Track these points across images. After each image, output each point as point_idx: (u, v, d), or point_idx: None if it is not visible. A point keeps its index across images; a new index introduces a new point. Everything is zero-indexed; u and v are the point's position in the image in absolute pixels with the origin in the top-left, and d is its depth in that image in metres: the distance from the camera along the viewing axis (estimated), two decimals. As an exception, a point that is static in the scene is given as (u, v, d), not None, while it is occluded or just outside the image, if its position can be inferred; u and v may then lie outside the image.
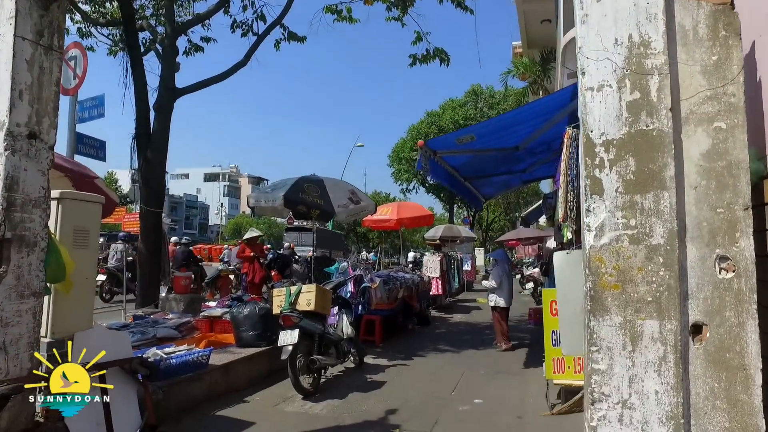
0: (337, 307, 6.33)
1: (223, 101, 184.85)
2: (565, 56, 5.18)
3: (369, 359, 6.89)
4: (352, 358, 6.27)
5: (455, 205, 37.32)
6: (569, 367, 4.91)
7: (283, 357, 4.93)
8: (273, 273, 10.24)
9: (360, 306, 7.27)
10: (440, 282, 12.74)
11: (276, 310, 5.38)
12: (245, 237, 9.66)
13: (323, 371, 5.57)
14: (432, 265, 12.77)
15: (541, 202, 18.40)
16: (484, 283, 8.73)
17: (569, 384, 4.81)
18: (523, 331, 9.88)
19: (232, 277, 10.80)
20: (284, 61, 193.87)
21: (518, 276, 21.26)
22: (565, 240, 5.79)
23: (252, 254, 9.46)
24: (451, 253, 15.54)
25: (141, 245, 7.89)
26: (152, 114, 7.92)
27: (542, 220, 18.50)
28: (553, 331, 4.98)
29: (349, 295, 7.11)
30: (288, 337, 4.98)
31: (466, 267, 18.22)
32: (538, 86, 12.74)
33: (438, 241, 17.37)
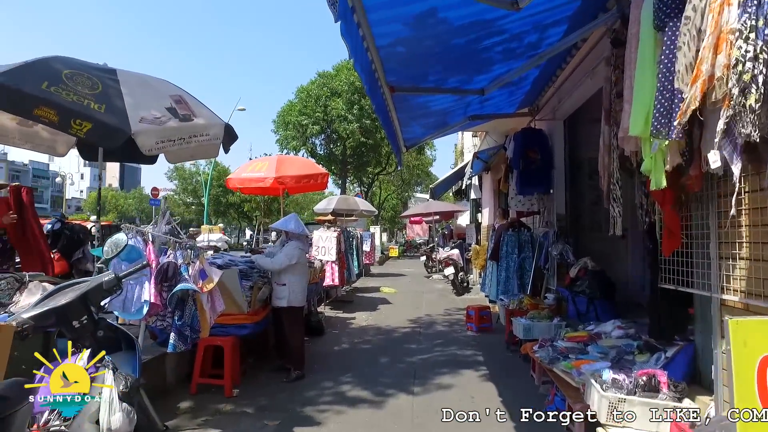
0: (85, 355, 2.37)
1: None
2: None
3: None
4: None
5: (347, 180, 33.97)
6: None
7: None
8: (54, 256, 5.85)
9: (176, 335, 3.30)
10: (337, 268, 9.08)
11: None
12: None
13: None
14: (326, 244, 9.06)
15: (457, 169, 15.51)
16: (263, 262, 5.10)
17: None
18: (466, 344, 6.56)
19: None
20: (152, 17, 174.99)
21: (423, 258, 18.41)
22: (654, 184, 2.42)
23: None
24: (349, 228, 11.92)
25: None
26: None
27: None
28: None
29: (142, 309, 3.10)
30: None
31: (366, 247, 14.79)
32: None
33: (330, 216, 13.85)
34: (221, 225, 38.17)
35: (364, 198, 26.45)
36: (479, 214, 14.56)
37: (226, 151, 4.52)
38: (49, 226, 6.00)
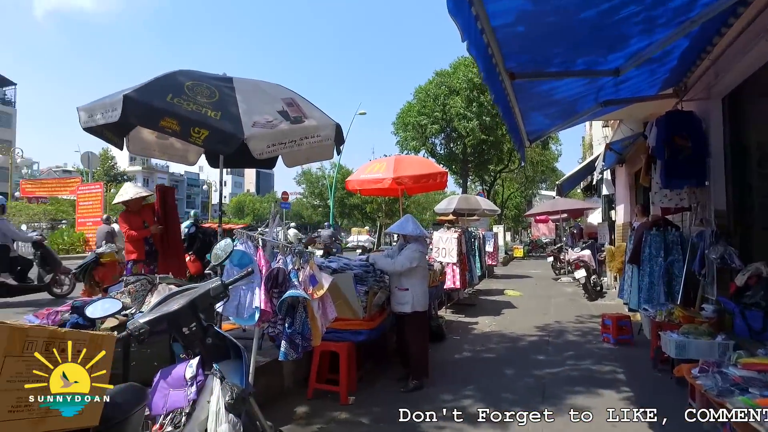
0: (195, 362, 2.35)
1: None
2: None
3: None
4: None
5: (468, 178, 33.27)
6: None
7: None
8: (190, 258, 6.33)
9: (287, 343, 3.23)
10: (458, 270, 8.74)
11: None
12: (119, 200, 5.67)
13: None
14: (446, 245, 8.76)
15: (585, 164, 14.32)
16: (384, 263, 4.90)
17: None
18: (603, 357, 5.83)
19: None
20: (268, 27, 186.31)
21: (550, 259, 17.27)
22: None
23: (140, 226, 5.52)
24: (471, 228, 11.48)
25: None
26: None
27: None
28: None
29: (254, 315, 3.09)
30: None
31: (489, 248, 14.21)
32: None
33: (451, 216, 13.54)
34: (367, 228, 40.37)
35: (486, 197, 25.74)
36: (612, 212, 13.25)
37: (338, 152, 4.45)
38: (186, 230, 6.51)
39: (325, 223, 19.27)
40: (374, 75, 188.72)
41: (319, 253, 12.21)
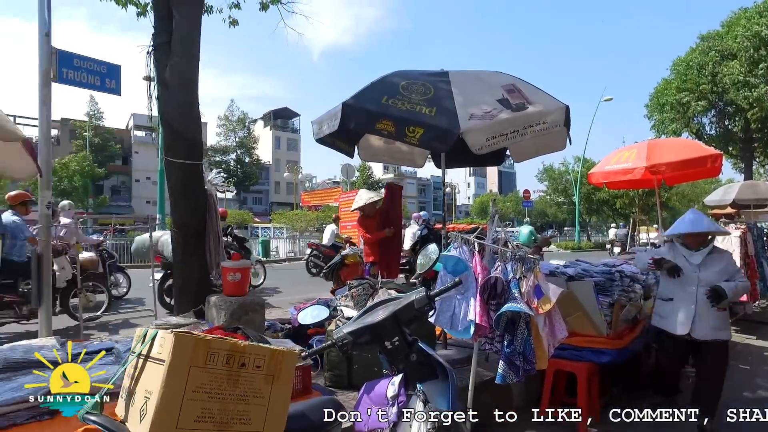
0: (397, 380, 2.13)
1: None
2: None
3: None
4: None
5: (754, 161, 26.84)
6: None
7: None
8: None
9: (505, 364, 2.72)
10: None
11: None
12: (354, 206, 5.99)
13: None
14: (724, 245, 6.98)
15: None
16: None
17: None
18: None
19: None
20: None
21: None
22: None
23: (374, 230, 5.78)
24: (762, 224, 9.00)
25: (172, 219, 5.00)
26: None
27: None
28: None
29: (469, 328, 2.67)
30: None
31: (788, 248, 11.03)
32: None
33: (729, 209, 11.22)
34: (656, 226, 37.80)
35: (781, 181, 20.34)
36: None
37: (569, 141, 3.83)
38: (418, 232, 6.63)
39: (620, 225, 18.58)
40: (619, 54, 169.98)
41: (617, 251, 11.55)
